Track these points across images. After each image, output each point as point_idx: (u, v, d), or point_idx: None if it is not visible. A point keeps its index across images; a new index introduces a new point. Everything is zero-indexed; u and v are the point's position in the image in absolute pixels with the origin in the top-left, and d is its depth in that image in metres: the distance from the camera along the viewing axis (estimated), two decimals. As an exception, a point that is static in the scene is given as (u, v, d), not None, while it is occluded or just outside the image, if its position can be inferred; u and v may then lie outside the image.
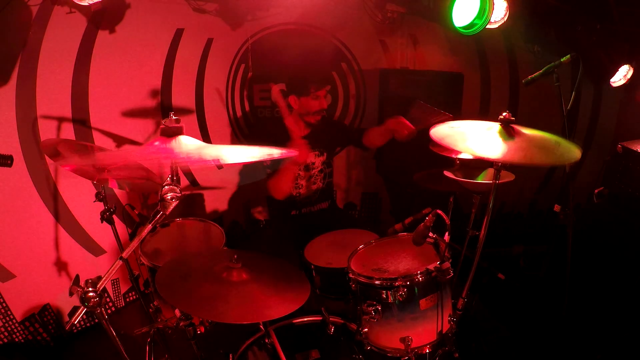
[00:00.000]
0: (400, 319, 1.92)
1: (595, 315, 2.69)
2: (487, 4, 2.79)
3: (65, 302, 3.10)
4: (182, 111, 3.54)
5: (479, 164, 2.58)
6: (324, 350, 2.03)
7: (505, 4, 2.99)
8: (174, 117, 1.35)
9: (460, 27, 2.83)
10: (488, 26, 3.01)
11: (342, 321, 2.19)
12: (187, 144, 1.36)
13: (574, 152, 1.76)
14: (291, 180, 2.85)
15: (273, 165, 2.82)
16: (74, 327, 1.29)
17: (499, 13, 3.03)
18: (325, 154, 3.09)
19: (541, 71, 2.44)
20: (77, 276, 1.31)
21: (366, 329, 2.00)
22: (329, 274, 2.37)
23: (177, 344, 2.59)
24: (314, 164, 3.06)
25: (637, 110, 3.71)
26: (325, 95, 2.92)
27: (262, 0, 3.42)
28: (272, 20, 3.63)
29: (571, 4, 3.08)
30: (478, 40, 4.08)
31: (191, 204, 3.75)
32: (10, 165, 1.93)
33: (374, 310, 1.91)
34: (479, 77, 4.22)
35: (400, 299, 1.87)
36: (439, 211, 1.85)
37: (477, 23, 2.87)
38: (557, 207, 2.48)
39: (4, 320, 2.85)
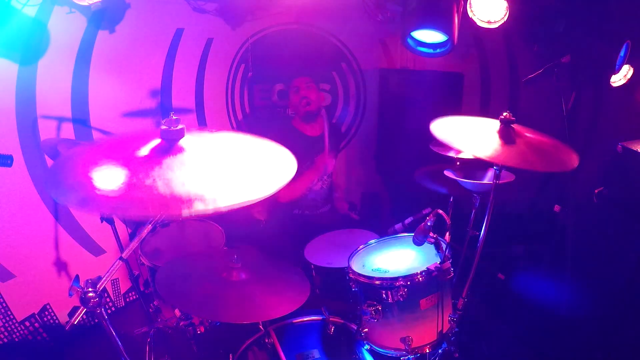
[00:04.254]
0: (401, 319, 1.92)
1: (595, 315, 2.69)
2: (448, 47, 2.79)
3: (65, 302, 3.10)
4: (182, 111, 3.54)
5: (479, 164, 2.58)
6: (324, 350, 2.03)
7: (505, 4, 2.98)
8: (174, 117, 1.34)
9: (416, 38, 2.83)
10: (488, 26, 3.01)
11: (342, 321, 2.19)
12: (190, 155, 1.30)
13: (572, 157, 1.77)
14: (306, 188, 2.86)
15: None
16: (74, 327, 1.28)
17: (499, 13, 3.02)
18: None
19: (541, 71, 2.44)
20: (77, 276, 1.30)
21: (366, 329, 2.00)
22: (329, 274, 2.37)
23: (177, 344, 2.59)
24: None
25: (637, 110, 3.70)
26: (307, 85, 2.93)
27: (262, 0, 3.42)
28: (272, 20, 3.63)
29: (571, 3, 3.08)
30: (478, 40, 4.08)
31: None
32: (10, 165, 1.93)
33: (374, 310, 1.90)
34: (479, 77, 4.21)
35: (401, 299, 1.86)
36: (439, 211, 1.85)
37: (424, 51, 2.88)
38: (557, 207, 2.48)
39: (4, 320, 2.85)
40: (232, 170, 1.30)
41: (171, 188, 1.12)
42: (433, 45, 2.73)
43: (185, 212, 1.07)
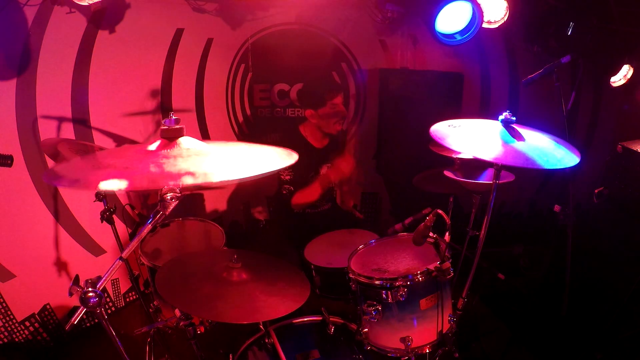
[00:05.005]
0: (400, 319, 1.92)
1: (595, 315, 2.69)
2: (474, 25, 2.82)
3: (65, 302, 3.10)
4: (182, 111, 3.54)
5: (479, 164, 2.58)
6: (324, 350, 2.03)
7: (505, 4, 2.99)
8: (174, 117, 1.34)
9: (440, 32, 2.88)
10: (488, 26, 3.02)
11: (342, 321, 2.19)
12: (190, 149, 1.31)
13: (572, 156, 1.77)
14: (318, 194, 2.85)
15: (295, 180, 2.84)
16: (73, 327, 1.28)
17: (499, 13, 3.03)
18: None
19: (541, 71, 2.44)
20: (77, 276, 1.30)
21: (366, 329, 2.00)
22: (329, 274, 2.37)
23: (177, 344, 2.59)
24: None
25: (637, 110, 3.70)
26: (343, 102, 2.90)
27: (262, 0, 3.42)
28: (272, 20, 3.63)
29: (571, 3, 3.08)
30: (478, 40, 4.08)
31: (191, 204, 3.75)
32: (10, 165, 1.93)
33: (374, 310, 1.90)
34: (479, 77, 4.21)
35: (401, 299, 1.86)
36: (439, 211, 1.85)
37: (457, 37, 2.91)
38: (557, 207, 2.48)
39: (4, 320, 2.85)
40: (228, 154, 1.32)
41: (162, 168, 1.14)
42: (460, 32, 2.79)
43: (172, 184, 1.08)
